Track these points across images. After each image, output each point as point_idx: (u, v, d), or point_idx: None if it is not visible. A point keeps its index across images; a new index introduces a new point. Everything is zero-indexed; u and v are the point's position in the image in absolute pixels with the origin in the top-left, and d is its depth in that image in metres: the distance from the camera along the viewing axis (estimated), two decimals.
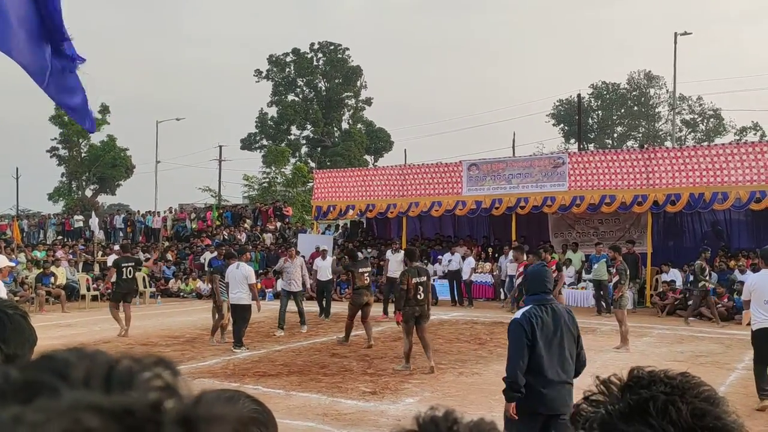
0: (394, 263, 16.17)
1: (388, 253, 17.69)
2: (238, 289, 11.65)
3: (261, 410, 1.27)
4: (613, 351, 11.57)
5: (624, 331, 11.62)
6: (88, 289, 20.34)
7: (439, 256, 21.28)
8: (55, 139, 47.67)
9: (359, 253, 16.06)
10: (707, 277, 15.44)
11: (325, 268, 16.24)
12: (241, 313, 11.67)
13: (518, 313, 4.88)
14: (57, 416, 0.36)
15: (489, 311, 17.51)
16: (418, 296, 9.84)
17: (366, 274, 12.55)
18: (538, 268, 5.26)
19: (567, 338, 4.76)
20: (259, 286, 13.32)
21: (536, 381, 4.65)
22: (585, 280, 19.28)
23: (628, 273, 11.86)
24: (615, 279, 12.03)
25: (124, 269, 14.15)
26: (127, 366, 0.42)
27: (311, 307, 16.29)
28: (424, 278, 10.02)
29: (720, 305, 15.81)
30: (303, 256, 23.57)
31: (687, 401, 0.79)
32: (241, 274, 11.69)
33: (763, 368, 7.82)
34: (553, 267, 13.73)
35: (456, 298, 19.33)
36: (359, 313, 12.23)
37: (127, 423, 0.38)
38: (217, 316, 12.64)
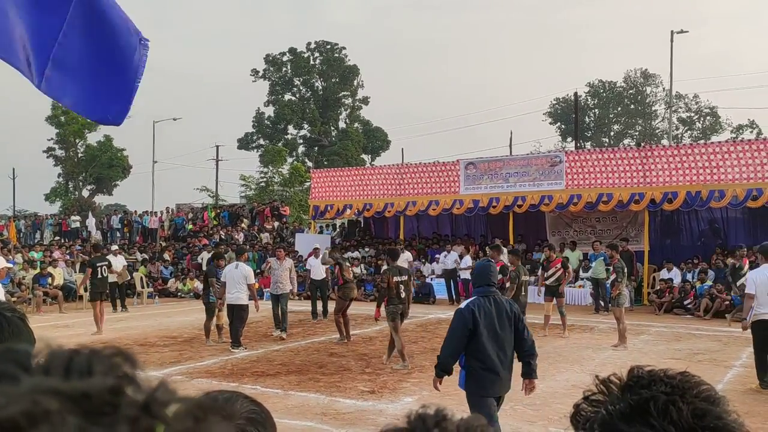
0: (401, 263, 16.53)
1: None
2: (236, 289, 11.52)
3: (259, 411, 1.27)
4: (611, 349, 11.59)
5: (622, 329, 11.65)
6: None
7: (437, 255, 21.31)
8: (52, 139, 47.61)
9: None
10: (743, 276, 15.46)
11: (318, 267, 16.10)
12: (238, 314, 11.55)
13: (463, 304, 5.34)
14: (16, 399, 0.38)
15: None
16: (401, 294, 10.14)
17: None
18: (484, 263, 5.68)
19: (508, 327, 5.23)
20: (257, 285, 13.24)
21: (481, 365, 5.12)
22: (583, 279, 19.30)
23: (625, 271, 11.89)
24: (612, 277, 12.06)
25: (99, 268, 14.40)
26: (86, 356, 0.43)
27: (306, 306, 16.29)
28: (405, 277, 10.31)
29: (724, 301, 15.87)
30: (301, 255, 23.72)
31: (688, 401, 0.79)
32: (240, 274, 11.58)
33: (765, 356, 8.36)
34: (559, 265, 13.76)
35: (453, 297, 19.37)
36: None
37: (85, 406, 0.39)
38: (206, 316, 12.62)
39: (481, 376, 5.14)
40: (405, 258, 18.57)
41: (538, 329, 14.12)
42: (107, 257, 16.25)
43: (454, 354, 5.19)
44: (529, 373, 5.38)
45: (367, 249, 23.84)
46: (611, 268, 12.32)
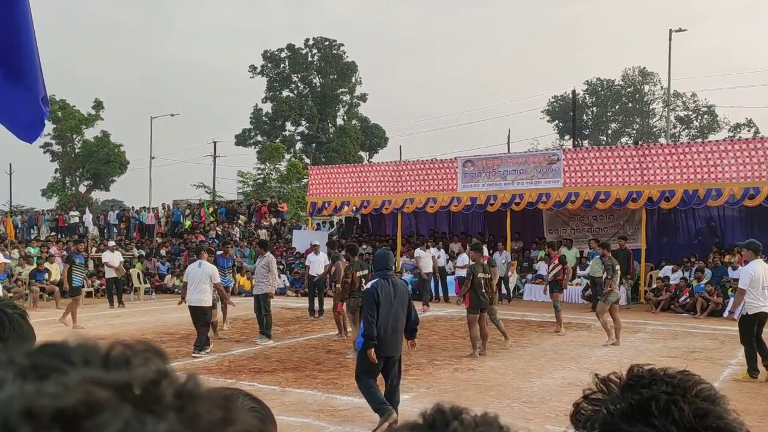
0: (427, 260, 17.87)
1: (418, 250, 18.68)
2: (199, 289, 10.67)
3: (260, 408, 1.27)
4: (607, 347, 11.61)
5: (603, 322, 11.81)
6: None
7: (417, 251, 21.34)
8: (49, 134, 47.48)
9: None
10: None
11: (318, 264, 15.90)
12: (201, 316, 10.72)
13: (369, 284, 6.87)
14: (72, 389, 0.40)
15: None
16: (362, 288, 10.24)
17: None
18: (383, 252, 7.48)
19: (401, 302, 6.83)
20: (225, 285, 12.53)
21: (379, 332, 6.60)
22: (580, 276, 19.33)
23: (616, 269, 11.91)
24: (604, 275, 12.13)
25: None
26: (122, 350, 0.46)
27: (302, 303, 16.29)
28: (366, 271, 10.81)
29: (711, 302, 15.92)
30: (298, 252, 23.67)
31: (689, 401, 0.79)
32: (203, 273, 10.78)
33: (757, 345, 8.91)
34: (556, 261, 13.79)
35: (440, 294, 19.56)
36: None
37: (131, 396, 0.41)
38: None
39: (378, 341, 6.56)
40: (430, 254, 18.61)
41: (534, 327, 14.18)
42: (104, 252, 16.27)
43: (372, 324, 6.57)
44: (411, 336, 7.19)
45: (364, 246, 23.83)
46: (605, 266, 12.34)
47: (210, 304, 10.91)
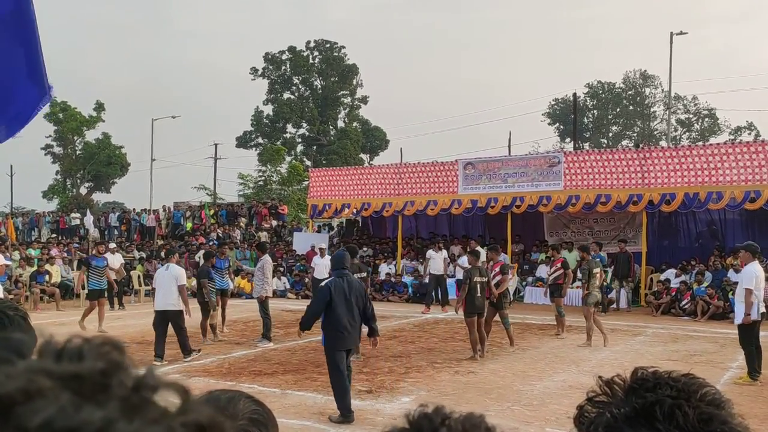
0: (438, 261, 17.87)
1: (431, 251, 18.63)
2: (167, 293, 10.29)
3: (261, 410, 1.27)
4: (608, 350, 11.60)
5: (588, 327, 11.95)
6: (83, 287, 20.24)
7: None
8: (50, 136, 47.50)
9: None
10: None
11: (322, 267, 15.79)
12: (174, 321, 10.31)
13: (325, 282, 7.42)
14: (12, 377, 0.41)
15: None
16: None
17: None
18: (340, 253, 7.92)
19: (356, 300, 7.26)
20: (189, 288, 12.17)
21: (337, 327, 7.08)
22: (581, 279, 19.29)
23: (593, 272, 12.03)
24: (579, 278, 12.26)
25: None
26: (77, 343, 0.46)
27: (303, 305, 16.25)
28: (365, 274, 11.11)
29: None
30: (299, 255, 23.63)
31: (693, 405, 0.79)
32: (170, 276, 10.37)
33: (756, 349, 9.02)
34: (559, 265, 13.81)
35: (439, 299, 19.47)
36: None
37: (77, 386, 0.41)
38: (202, 315, 12.58)
39: (335, 335, 7.13)
40: (442, 256, 18.55)
41: (534, 329, 14.16)
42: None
43: (313, 317, 7.26)
44: (372, 333, 7.63)
45: (365, 248, 23.83)
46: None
47: (180, 308, 10.42)
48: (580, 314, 16.63)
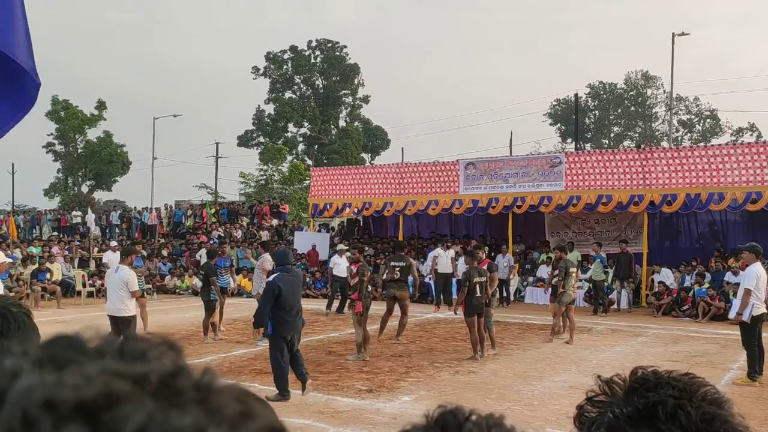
0: (446, 260, 17.96)
1: (438, 249, 18.76)
2: (117, 297, 9.41)
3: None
4: (608, 351, 11.60)
5: (554, 324, 12.46)
6: (84, 286, 20.29)
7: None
8: (51, 134, 47.51)
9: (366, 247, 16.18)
10: None
11: (342, 266, 16.57)
12: (123, 328, 9.20)
13: (272, 277, 8.14)
14: (92, 381, 0.39)
15: None
16: (368, 288, 11.06)
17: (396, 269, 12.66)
18: (283, 250, 9.29)
19: (300, 291, 8.40)
20: (141, 294, 11.58)
21: (284, 317, 7.85)
22: (582, 280, 19.31)
23: (569, 271, 12.23)
24: (555, 276, 12.41)
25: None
26: (137, 342, 0.44)
27: (303, 304, 16.28)
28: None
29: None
30: (301, 253, 23.64)
31: (696, 405, 0.79)
32: (119, 280, 9.41)
33: (759, 350, 9.03)
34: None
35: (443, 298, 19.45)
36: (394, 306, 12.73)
37: (150, 389, 0.40)
38: (205, 314, 12.60)
39: (281, 324, 7.87)
40: (449, 255, 18.50)
41: (535, 329, 14.15)
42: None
43: (265, 312, 7.80)
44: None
45: (366, 248, 23.84)
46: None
47: (131, 314, 9.49)
48: (579, 314, 16.65)
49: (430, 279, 20.73)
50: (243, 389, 0.44)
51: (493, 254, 20.91)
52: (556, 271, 13.38)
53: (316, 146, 53.91)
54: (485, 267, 11.70)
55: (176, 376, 0.42)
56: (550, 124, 61.10)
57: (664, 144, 45.48)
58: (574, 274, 12.63)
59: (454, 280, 19.34)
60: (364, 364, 10.27)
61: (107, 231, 31.73)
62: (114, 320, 9.41)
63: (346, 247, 17.92)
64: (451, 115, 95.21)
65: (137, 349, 0.44)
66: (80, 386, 0.38)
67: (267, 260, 13.01)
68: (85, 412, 0.37)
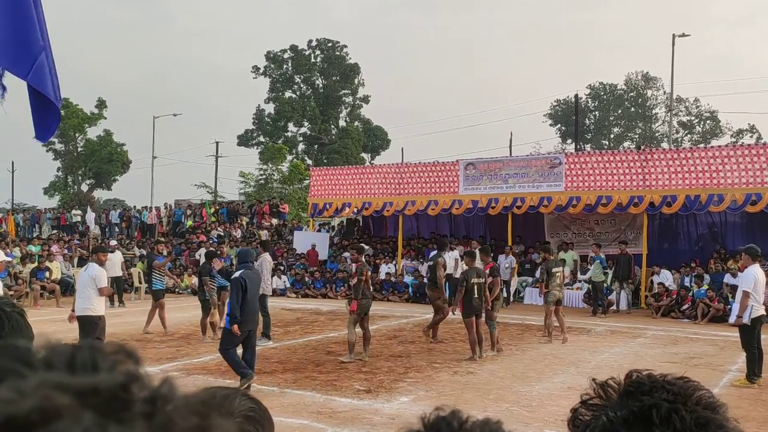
0: (450, 261, 17.73)
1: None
2: (85, 296, 9.01)
3: (257, 408, 1.27)
4: (607, 352, 11.59)
5: (547, 324, 12.61)
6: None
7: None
8: None
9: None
10: None
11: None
12: (90, 328, 8.84)
13: (237, 273, 8.69)
14: (28, 394, 0.36)
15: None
16: (370, 288, 11.02)
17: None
18: (245, 249, 10.17)
19: (258, 287, 9.03)
20: (108, 292, 10.55)
21: (246, 311, 8.51)
22: (581, 281, 19.32)
23: (551, 272, 12.29)
24: (536, 277, 12.45)
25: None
26: (90, 351, 0.42)
27: (302, 304, 16.27)
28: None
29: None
30: (300, 254, 23.63)
31: (690, 409, 0.78)
32: (88, 277, 9.06)
33: (758, 352, 9.03)
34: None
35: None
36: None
37: (95, 402, 0.37)
38: (203, 313, 12.58)
39: (243, 318, 8.45)
40: (453, 256, 18.43)
41: (535, 331, 14.14)
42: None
43: (238, 306, 8.41)
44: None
45: (366, 248, 23.84)
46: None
47: (98, 314, 9.05)
48: (578, 315, 16.67)
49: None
50: (203, 401, 0.42)
51: (493, 255, 20.93)
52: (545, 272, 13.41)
53: (316, 146, 53.91)
54: (490, 269, 11.71)
55: (126, 387, 0.39)
56: (551, 125, 61.16)
57: (664, 145, 45.50)
58: (558, 274, 12.68)
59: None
60: (362, 364, 10.26)
61: (107, 230, 31.71)
62: (80, 320, 8.99)
63: (368, 247, 18.13)
64: (451, 116, 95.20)
65: (89, 359, 0.41)
66: (13, 401, 0.36)
67: (267, 260, 12.97)
68: (15, 429, 0.35)
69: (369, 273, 10.90)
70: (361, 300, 10.52)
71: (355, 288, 10.70)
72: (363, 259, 11.21)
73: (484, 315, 11.12)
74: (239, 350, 8.77)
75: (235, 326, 8.40)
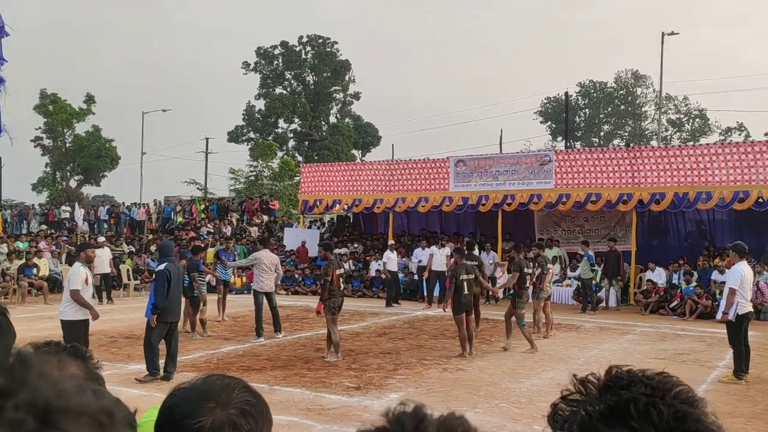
0: (440, 257, 18.13)
1: (434, 248, 18.77)
2: (64, 297, 8.53)
3: (255, 403, 1.26)
4: (596, 348, 11.65)
5: (536, 320, 12.91)
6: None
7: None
8: (39, 128, 47.11)
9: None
10: None
11: (393, 260, 18.41)
12: (68, 333, 8.04)
13: (161, 266, 9.09)
14: None
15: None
16: (341, 286, 10.76)
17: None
18: (166, 242, 10.72)
19: (181, 281, 9.51)
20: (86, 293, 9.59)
21: (169, 304, 8.88)
22: (570, 278, 19.39)
23: (524, 270, 12.15)
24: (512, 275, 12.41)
25: None
26: None
27: (290, 301, 16.28)
28: (342, 270, 11.18)
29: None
30: (291, 250, 23.59)
31: (668, 403, 0.78)
32: (68, 278, 8.56)
33: (745, 348, 9.13)
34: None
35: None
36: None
37: None
38: (191, 310, 12.52)
39: (166, 309, 8.84)
40: (444, 253, 18.39)
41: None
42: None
43: (164, 296, 8.79)
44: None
45: (355, 245, 23.83)
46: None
47: (67, 318, 8.31)
48: (568, 312, 16.75)
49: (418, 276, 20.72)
50: (108, 410, 0.39)
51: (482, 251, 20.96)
52: (539, 268, 13.40)
53: (306, 142, 53.79)
54: (509, 264, 11.82)
55: (3, 393, 0.37)
56: (541, 122, 61.31)
57: (654, 143, 45.71)
58: (550, 271, 12.87)
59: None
60: (352, 361, 10.26)
61: (95, 226, 31.52)
62: (65, 325, 8.30)
63: (392, 242, 19.36)
64: (441, 113, 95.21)
65: None
66: None
67: (265, 257, 12.91)
68: None
69: (336, 271, 10.35)
70: (329, 299, 10.23)
71: (321, 288, 10.57)
72: (332, 257, 10.85)
73: (514, 318, 11.39)
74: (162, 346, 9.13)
75: (154, 317, 8.73)
